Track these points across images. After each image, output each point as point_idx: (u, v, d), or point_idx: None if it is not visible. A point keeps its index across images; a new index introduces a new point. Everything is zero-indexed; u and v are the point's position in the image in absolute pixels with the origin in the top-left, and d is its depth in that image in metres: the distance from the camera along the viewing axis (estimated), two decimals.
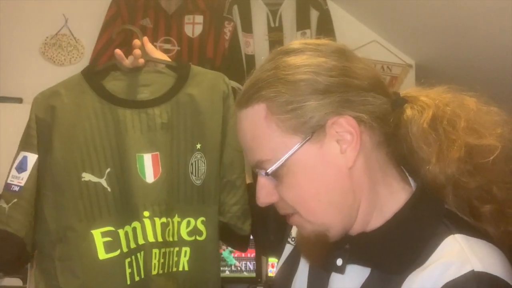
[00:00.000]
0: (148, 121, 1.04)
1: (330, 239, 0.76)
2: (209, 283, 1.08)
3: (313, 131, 0.72)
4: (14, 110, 2.10)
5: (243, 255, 2.41)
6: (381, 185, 0.76)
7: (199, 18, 2.45)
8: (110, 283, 1.00)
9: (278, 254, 0.97)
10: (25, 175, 1.00)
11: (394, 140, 0.77)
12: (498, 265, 0.68)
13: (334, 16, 2.56)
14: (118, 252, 1.01)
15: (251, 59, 2.52)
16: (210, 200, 1.07)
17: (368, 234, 0.76)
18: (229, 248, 2.34)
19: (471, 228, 0.73)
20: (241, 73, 2.42)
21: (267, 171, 0.74)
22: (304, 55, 0.75)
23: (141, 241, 1.01)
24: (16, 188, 0.99)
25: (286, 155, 0.73)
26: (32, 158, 1.00)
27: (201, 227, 1.07)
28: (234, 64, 2.42)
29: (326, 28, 2.55)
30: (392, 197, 0.76)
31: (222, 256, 2.29)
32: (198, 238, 1.06)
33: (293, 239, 0.92)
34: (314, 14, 2.57)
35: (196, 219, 1.07)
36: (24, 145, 1.02)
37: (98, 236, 1.00)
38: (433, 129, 0.75)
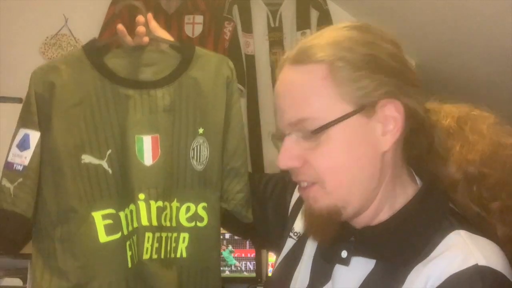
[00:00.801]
0: (150, 102, 1.00)
1: (342, 218, 0.77)
2: (209, 271, 1.05)
3: (364, 105, 0.74)
4: (14, 110, 2.09)
5: (243, 255, 2.41)
6: (398, 179, 0.79)
7: (199, 18, 2.45)
8: (111, 266, 0.97)
9: (276, 247, 0.98)
10: (28, 154, 0.95)
11: (411, 139, 0.80)
12: (499, 261, 0.70)
13: (334, 16, 2.56)
14: (119, 234, 0.98)
15: (251, 59, 2.53)
16: (212, 186, 1.04)
17: (374, 227, 0.78)
18: (229, 248, 2.34)
19: (474, 226, 0.75)
20: (241, 73, 2.43)
21: (311, 129, 0.74)
22: (372, 35, 0.78)
23: (135, 224, 0.98)
24: (20, 167, 0.95)
25: (334, 119, 0.73)
26: (34, 136, 0.96)
27: (202, 213, 1.04)
28: (234, 64, 2.42)
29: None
30: (403, 192, 0.79)
31: (222, 256, 2.28)
32: (198, 224, 1.03)
33: (295, 234, 0.93)
34: (314, 14, 2.57)
35: (196, 205, 1.04)
36: (25, 121, 0.97)
37: (99, 218, 0.97)
38: (460, 128, 0.80)
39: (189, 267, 1.02)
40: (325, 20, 2.55)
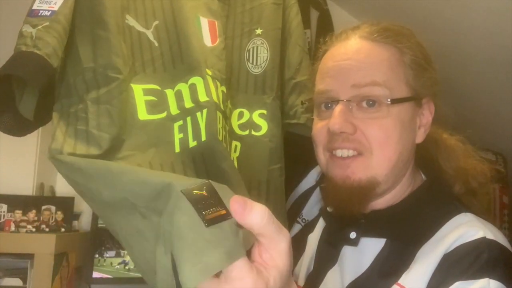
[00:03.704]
0: None
1: (375, 192, 0.81)
2: (269, 185, 0.89)
3: (421, 96, 0.83)
4: None
5: None
6: (416, 172, 0.87)
7: None
8: (152, 149, 0.79)
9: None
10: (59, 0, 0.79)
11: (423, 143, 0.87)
12: (505, 240, 0.76)
13: (334, 16, 2.56)
14: (164, 114, 0.82)
15: None
16: (273, 93, 0.93)
17: (384, 209, 0.83)
18: None
19: (478, 212, 0.82)
20: None
21: (388, 99, 0.79)
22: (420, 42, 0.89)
23: (203, 98, 0.81)
24: (47, 13, 0.78)
25: (403, 97, 0.80)
26: None
27: (259, 121, 0.92)
28: None
29: (326, 28, 2.54)
30: (413, 183, 0.86)
31: None
32: (254, 133, 0.91)
33: (303, 220, 0.95)
34: (314, 14, 2.57)
35: (251, 112, 0.92)
36: None
37: (139, 92, 0.81)
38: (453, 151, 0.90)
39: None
40: (325, 20, 2.55)
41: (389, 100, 0.78)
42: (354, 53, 0.81)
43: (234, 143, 0.89)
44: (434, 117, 0.86)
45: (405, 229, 0.79)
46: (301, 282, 0.85)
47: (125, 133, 0.79)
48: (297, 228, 0.94)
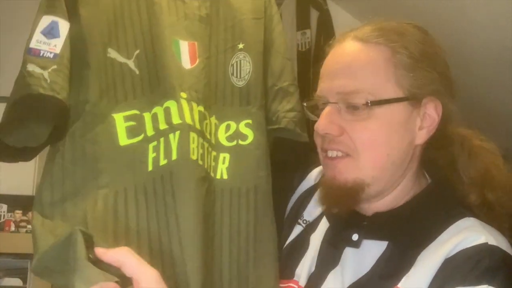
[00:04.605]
0: (186, 9, 0.94)
1: (363, 195, 0.80)
2: (257, 191, 0.94)
3: (414, 95, 0.79)
4: None
5: None
6: (419, 174, 0.85)
7: None
8: (129, 170, 0.87)
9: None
10: (57, 42, 0.87)
11: (435, 146, 0.85)
12: (509, 246, 0.74)
13: (334, 16, 2.56)
14: (141, 136, 0.89)
15: None
16: (257, 102, 0.98)
17: (387, 212, 0.82)
18: None
19: (483, 217, 0.80)
20: None
21: (362, 102, 0.78)
22: (431, 38, 0.86)
23: (176, 120, 0.87)
24: (50, 55, 0.86)
25: (386, 98, 0.78)
26: (63, 25, 0.88)
27: (245, 130, 0.96)
28: None
29: (326, 28, 2.55)
30: (419, 186, 0.85)
31: None
32: (241, 142, 0.95)
33: (304, 222, 0.95)
34: (314, 14, 2.57)
35: (238, 123, 0.96)
36: (51, 9, 0.88)
37: (121, 120, 0.88)
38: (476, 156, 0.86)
39: (231, 189, 0.93)
40: (325, 20, 2.55)
41: (369, 102, 0.77)
42: (343, 56, 0.82)
43: (222, 155, 0.93)
44: (446, 117, 0.82)
45: (407, 232, 0.78)
46: (303, 282, 0.86)
47: (105, 161, 0.86)
48: (298, 229, 0.94)
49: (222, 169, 0.93)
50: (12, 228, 2.16)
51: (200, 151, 0.88)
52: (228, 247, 0.89)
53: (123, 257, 0.74)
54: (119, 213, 0.84)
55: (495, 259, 0.70)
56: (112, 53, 0.90)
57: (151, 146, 0.88)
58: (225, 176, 0.92)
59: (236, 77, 0.98)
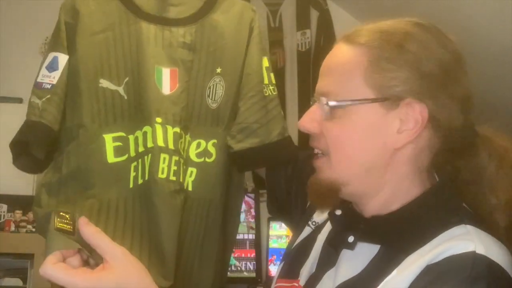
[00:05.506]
0: (171, 38, 1.05)
1: (341, 194, 0.80)
2: (211, 204, 1.07)
3: (388, 98, 0.76)
4: (14, 110, 2.09)
5: (243, 255, 2.41)
6: (417, 179, 0.80)
7: None
8: (113, 185, 1.02)
9: (291, 223, 1.05)
10: (56, 74, 1.03)
11: (454, 160, 0.81)
12: (502, 256, 0.71)
13: (334, 16, 2.56)
14: (125, 156, 1.02)
15: None
16: (224, 124, 1.08)
17: (383, 215, 0.80)
18: None
19: (485, 226, 0.76)
20: None
21: (330, 102, 0.78)
22: (430, 37, 0.79)
23: (150, 144, 1.01)
24: (48, 86, 1.02)
25: (354, 99, 0.77)
26: (63, 58, 1.04)
27: (211, 149, 1.07)
28: None
29: (326, 28, 2.55)
30: (420, 190, 0.80)
31: None
32: (207, 160, 1.07)
33: (314, 223, 0.95)
34: (314, 14, 2.57)
35: (207, 141, 1.07)
36: (55, 46, 1.05)
37: (110, 140, 1.02)
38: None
39: (193, 200, 1.05)
40: (325, 20, 2.55)
41: (344, 102, 0.77)
42: (329, 57, 0.83)
43: (190, 169, 1.05)
44: (447, 121, 0.76)
45: (400, 237, 0.77)
46: (303, 282, 0.86)
47: (95, 176, 1.01)
48: (307, 230, 0.95)
49: (188, 181, 1.05)
50: (12, 228, 2.16)
51: (174, 168, 1.01)
52: (187, 244, 1.05)
53: (94, 237, 0.81)
54: (101, 221, 0.99)
55: (479, 269, 0.68)
56: (104, 83, 1.03)
57: (132, 166, 1.02)
58: (190, 188, 1.05)
59: (211, 99, 1.07)
